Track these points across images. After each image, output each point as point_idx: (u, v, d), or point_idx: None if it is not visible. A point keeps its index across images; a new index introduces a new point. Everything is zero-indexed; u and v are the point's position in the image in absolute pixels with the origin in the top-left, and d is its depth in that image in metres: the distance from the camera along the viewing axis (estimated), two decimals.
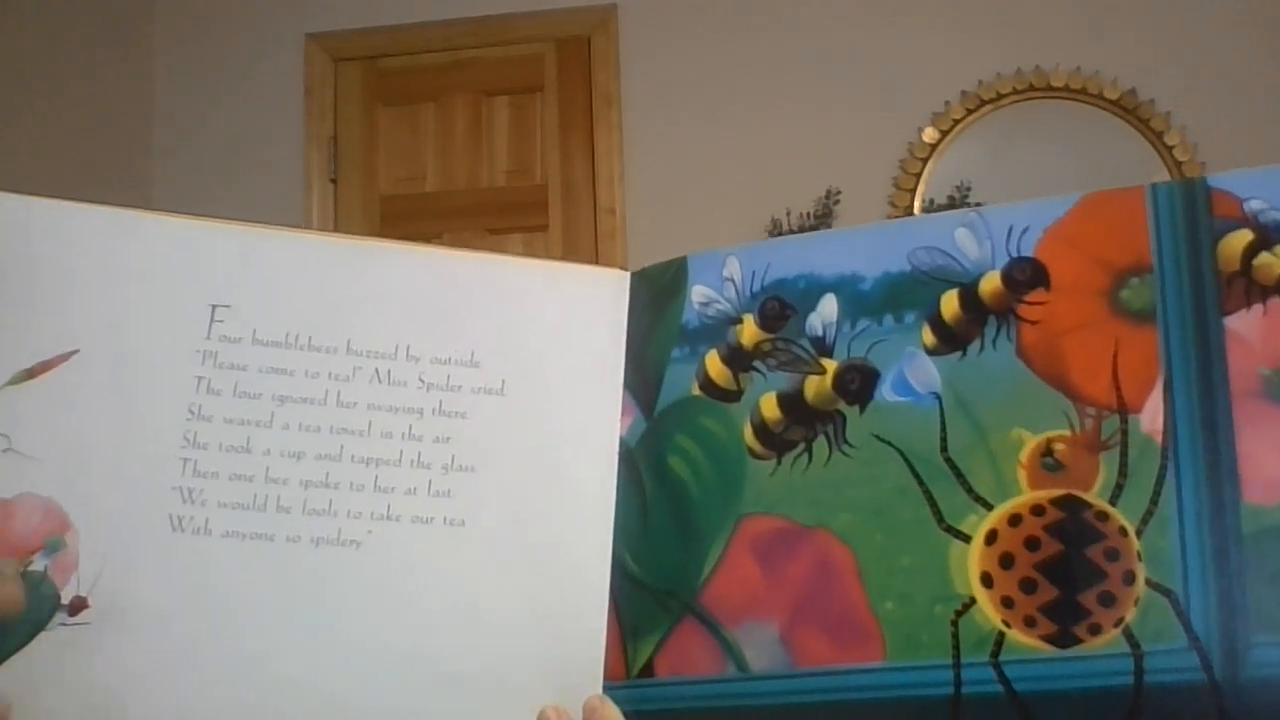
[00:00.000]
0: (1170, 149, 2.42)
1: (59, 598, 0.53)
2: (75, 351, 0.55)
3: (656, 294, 0.61)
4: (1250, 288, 0.52)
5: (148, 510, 0.54)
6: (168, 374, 0.56)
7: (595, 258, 2.59)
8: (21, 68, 2.30)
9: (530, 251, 2.64)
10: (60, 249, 0.57)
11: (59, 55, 2.41)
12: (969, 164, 2.47)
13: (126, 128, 2.68)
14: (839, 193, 2.45)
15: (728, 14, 2.61)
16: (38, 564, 0.53)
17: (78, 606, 0.53)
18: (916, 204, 2.47)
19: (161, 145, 2.75)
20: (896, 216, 2.46)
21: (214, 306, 0.57)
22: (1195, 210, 0.53)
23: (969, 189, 2.41)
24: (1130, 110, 2.44)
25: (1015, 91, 2.49)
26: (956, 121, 2.50)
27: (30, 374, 0.55)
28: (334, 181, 2.70)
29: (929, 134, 2.51)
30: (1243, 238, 0.52)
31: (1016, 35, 2.50)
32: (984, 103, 2.50)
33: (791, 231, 2.43)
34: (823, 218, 2.44)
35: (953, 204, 2.40)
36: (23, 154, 2.27)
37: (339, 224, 2.69)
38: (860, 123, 2.53)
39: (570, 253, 2.61)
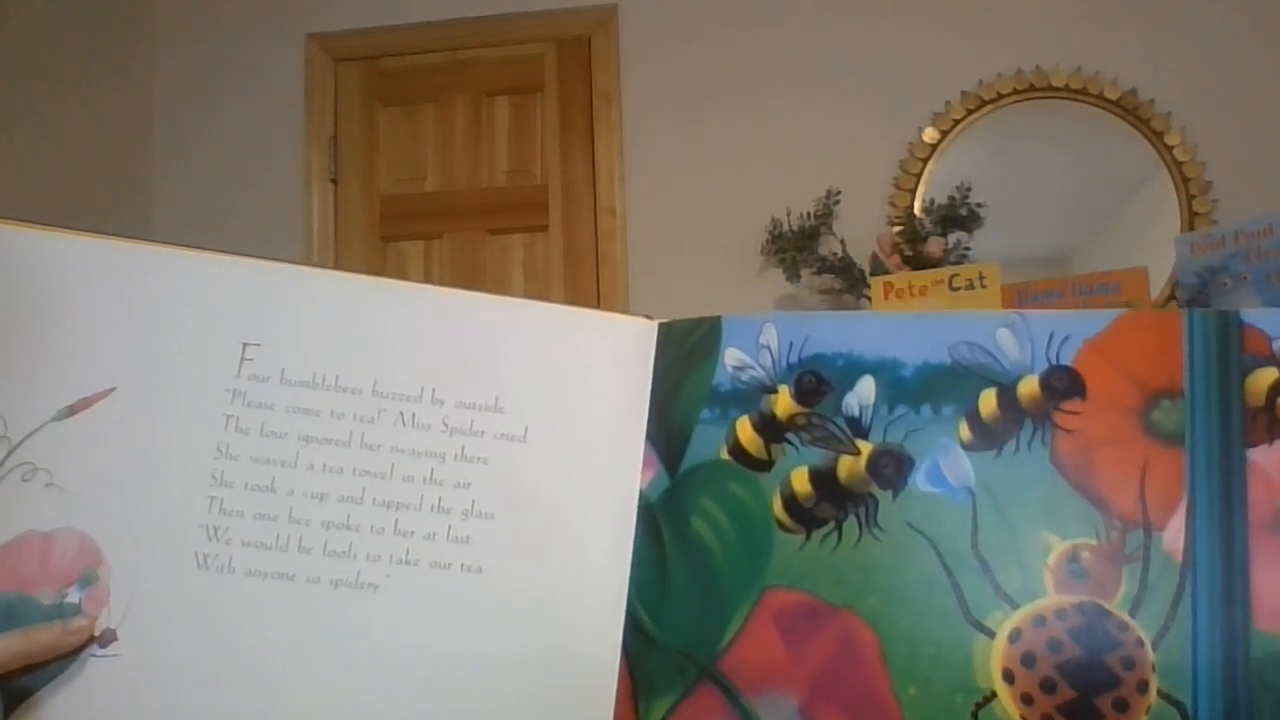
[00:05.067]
0: (1170, 149, 2.42)
1: (92, 629, 0.54)
2: (113, 389, 0.56)
3: (687, 351, 0.60)
4: (1273, 424, 0.54)
5: (175, 547, 0.55)
6: (198, 412, 0.57)
7: (596, 258, 2.59)
8: (22, 69, 2.30)
9: (531, 252, 2.64)
10: (98, 286, 0.57)
11: (59, 56, 2.41)
12: (969, 164, 2.47)
13: (127, 128, 2.67)
14: (839, 193, 2.45)
15: (728, 14, 2.60)
16: (73, 596, 0.54)
17: (108, 638, 0.54)
18: (917, 204, 2.47)
19: (162, 146, 2.75)
20: (897, 216, 2.46)
21: (245, 345, 0.58)
22: (1227, 343, 0.55)
23: (969, 189, 2.40)
24: (1130, 110, 2.44)
25: (1015, 91, 2.49)
26: (956, 121, 2.50)
27: (71, 411, 0.56)
28: (334, 181, 2.70)
29: (929, 134, 2.51)
30: (1269, 375, 0.55)
31: (1016, 35, 2.51)
32: (984, 103, 2.50)
33: (792, 231, 2.44)
34: (823, 218, 2.44)
35: (953, 204, 2.40)
36: (23, 155, 2.27)
37: (339, 224, 2.69)
38: (860, 123, 2.53)
39: (571, 253, 2.61)
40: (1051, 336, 0.56)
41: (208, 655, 0.55)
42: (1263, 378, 0.55)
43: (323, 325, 0.59)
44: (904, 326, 0.58)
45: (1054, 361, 0.56)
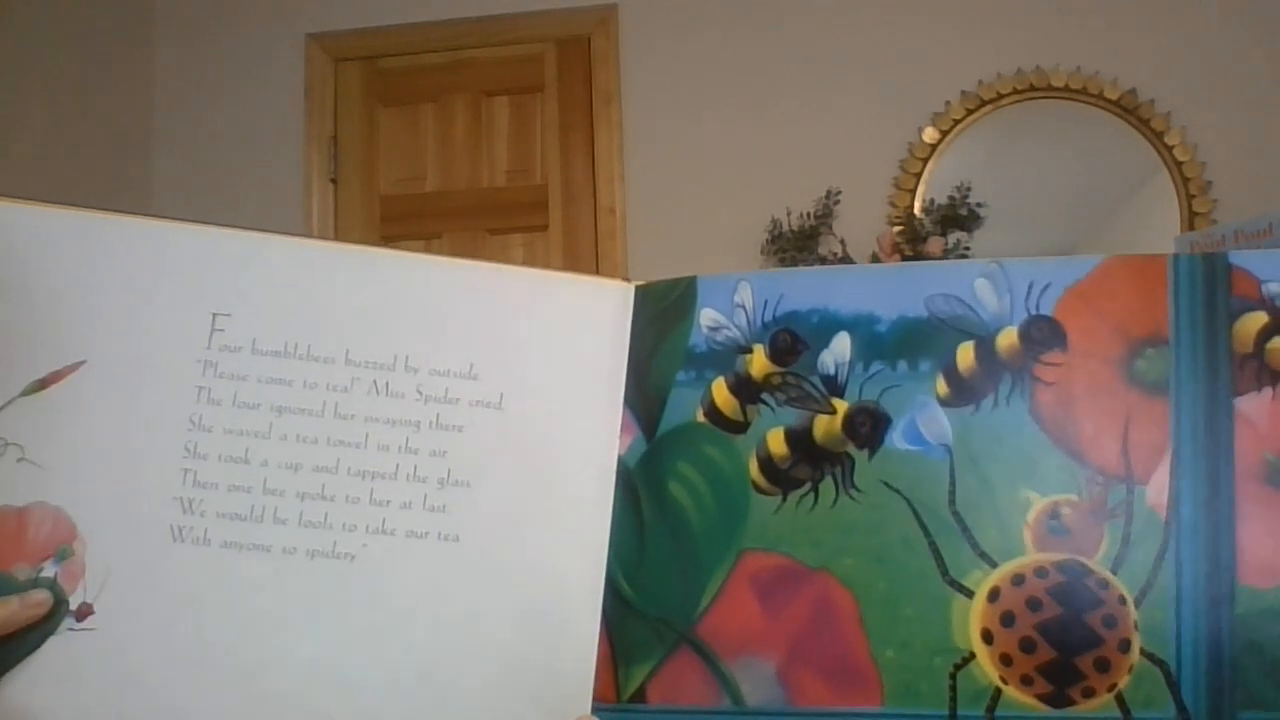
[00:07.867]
0: (1170, 149, 2.42)
1: (68, 603, 0.54)
2: (83, 362, 0.56)
3: (662, 311, 0.59)
4: (1261, 371, 0.52)
5: (150, 520, 0.55)
6: (169, 384, 0.56)
7: (595, 257, 2.59)
8: (22, 68, 2.30)
9: (531, 252, 2.64)
10: (65, 256, 0.57)
11: (60, 55, 2.41)
12: (969, 164, 2.47)
13: (127, 128, 2.68)
14: (839, 193, 2.45)
15: (728, 14, 2.60)
16: (48, 570, 0.54)
17: (84, 612, 0.54)
18: (917, 204, 2.47)
19: (161, 145, 2.75)
20: (897, 216, 2.46)
21: (215, 315, 0.57)
22: (1215, 286, 0.53)
23: (969, 189, 2.41)
24: (1130, 110, 2.44)
25: (1015, 91, 2.49)
26: (956, 121, 2.50)
27: (42, 384, 0.56)
28: (334, 181, 2.70)
29: (929, 134, 2.51)
30: (1258, 320, 0.53)
31: (1016, 35, 2.50)
32: (984, 103, 2.50)
33: (792, 231, 2.44)
34: (823, 218, 2.44)
35: (953, 204, 2.40)
36: (23, 154, 2.27)
37: (339, 224, 2.69)
38: (860, 123, 2.53)
39: (571, 252, 2.61)
40: (1031, 285, 0.55)
41: (185, 627, 0.54)
42: (1251, 322, 0.53)
43: (293, 294, 0.58)
44: (879, 280, 0.56)
45: (1033, 311, 0.54)
